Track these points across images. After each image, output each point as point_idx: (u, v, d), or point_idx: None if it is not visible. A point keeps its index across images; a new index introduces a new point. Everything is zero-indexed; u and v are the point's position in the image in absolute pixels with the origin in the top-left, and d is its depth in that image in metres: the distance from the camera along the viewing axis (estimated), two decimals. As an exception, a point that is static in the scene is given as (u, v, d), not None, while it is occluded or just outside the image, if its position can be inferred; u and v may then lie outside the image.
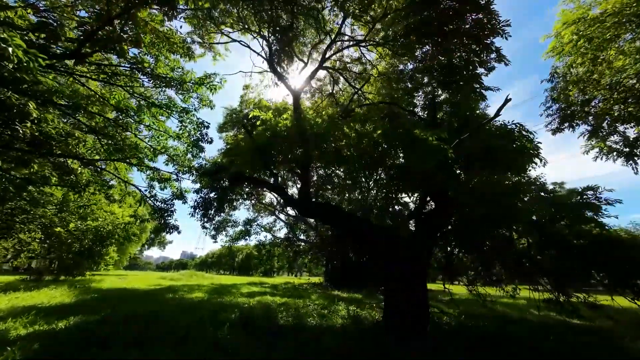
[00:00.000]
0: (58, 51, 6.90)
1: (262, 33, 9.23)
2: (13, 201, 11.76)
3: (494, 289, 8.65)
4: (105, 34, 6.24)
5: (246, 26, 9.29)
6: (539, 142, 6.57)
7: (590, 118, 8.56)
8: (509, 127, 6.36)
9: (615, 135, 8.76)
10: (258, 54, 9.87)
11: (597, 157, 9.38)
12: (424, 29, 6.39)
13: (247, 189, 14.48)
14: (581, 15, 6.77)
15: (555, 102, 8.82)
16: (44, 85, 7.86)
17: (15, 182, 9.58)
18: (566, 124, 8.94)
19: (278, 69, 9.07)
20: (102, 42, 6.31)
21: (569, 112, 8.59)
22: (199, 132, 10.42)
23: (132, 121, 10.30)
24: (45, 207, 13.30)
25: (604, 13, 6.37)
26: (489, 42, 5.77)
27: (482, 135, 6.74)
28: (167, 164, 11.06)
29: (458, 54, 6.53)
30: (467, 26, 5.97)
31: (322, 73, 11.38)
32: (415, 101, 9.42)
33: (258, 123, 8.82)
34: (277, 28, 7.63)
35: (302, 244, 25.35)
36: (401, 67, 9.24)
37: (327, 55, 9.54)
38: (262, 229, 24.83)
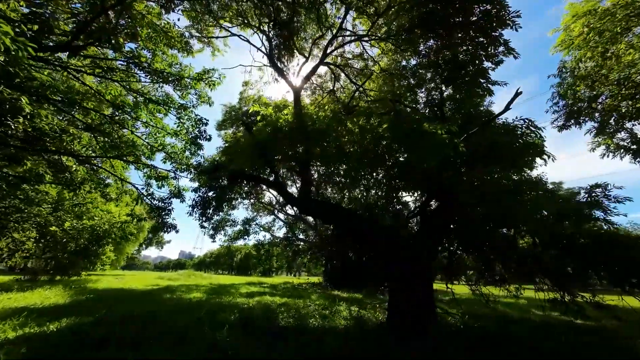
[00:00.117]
0: (51, 44, 6.69)
1: (262, 28, 9.04)
2: (6, 200, 11.52)
3: (497, 289, 8.52)
4: (100, 25, 6.03)
5: (246, 21, 9.10)
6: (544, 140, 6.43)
7: (597, 115, 8.42)
8: (516, 122, 6.20)
9: (622, 132, 8.64)
10: (258, 49, 9.69)
11: (604, 154, 9.25)
12: (429, 22, 6.22)
13: (246, 188, 14.29)
14: (592, 7, 6.62)
15: (562, 98, 8.66)
16: (38, 80, 7.64)
17: (8, 180, 9.34)
18: (572, 121, 8.81)
19: (278, 64, 8.90)
20: (96, 33, 6.10)
21: (575, 108, 8.44)
22: (197, 129, 10.23)
23: (129, 118, 10.09)
24: (40, 206, 13.05)
25: (615, 4, 6.22)
26: (497, 34, 5.61)
27: (488, 131, 6.59)
28: (164, 162, 10.86)
29: (464, 47, 6.36)
30: (474, 18, 5.80)
31: (322, 69, 11.22)
32: (418, 98, 9.26)
33: (258, 119, 8.64)
34: (278, 20, 7.43)
35: (301, 243, 25.20)
36: (404, 62, 9.07)
37: (328, 51, 9.37)
38: (261, 229, 24.70)
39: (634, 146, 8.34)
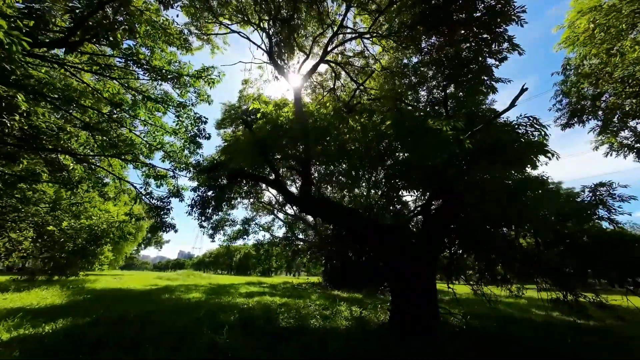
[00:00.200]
0: (47, 40, 6.57)
1: (262, 25, 8.94)
2: (3, 199, 11.39)
3: (498, 289, 8.46)
4: (97, 20, 5.92)
5: (246, 18, 8.99)
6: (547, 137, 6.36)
7: (600, 113, 8.35)
8: (520, 120, 6.12)
9: (626, 131, 8.57)
10: (258, 46, 9.58)
11: (607, 153, 9.17)
12: (432, 19, 6.13)
13: (245, 187, 14.19)
14: (597, 2, 6.54)
15: (566, 96, 8.58)
16: (35, 78, 7.52)
17: (5, 179, 9.22)
18: (575, 119, 8.74)
19: (278, 61, 8.80)
20: (93, 29, 5.99)
21: (579, 106, 8.37)
22: (196, 128, 10.13)
23: (127, 116, 9.98)
24: (37, 205, 12.92)
25: (622, 0, 6.13)
26: (501, 30, 5.52)
27: (492, 129, 6.50)
28: (163, 161, 10.76)
29: (467, 44, 6.27)
30: (477, 14, 5.71)
31: (323, 68, 11.14)
32: (419, 97, 9.17)
33: (258, 116, 8.54)
34: (278, 17, 7.33)
35: (301, 243, 25.10)
36: (405, 60, 8.99)
37: (329, 49, 9.27)
38: (261, 228, 24.59)
39: (638, 144, 8.29)
